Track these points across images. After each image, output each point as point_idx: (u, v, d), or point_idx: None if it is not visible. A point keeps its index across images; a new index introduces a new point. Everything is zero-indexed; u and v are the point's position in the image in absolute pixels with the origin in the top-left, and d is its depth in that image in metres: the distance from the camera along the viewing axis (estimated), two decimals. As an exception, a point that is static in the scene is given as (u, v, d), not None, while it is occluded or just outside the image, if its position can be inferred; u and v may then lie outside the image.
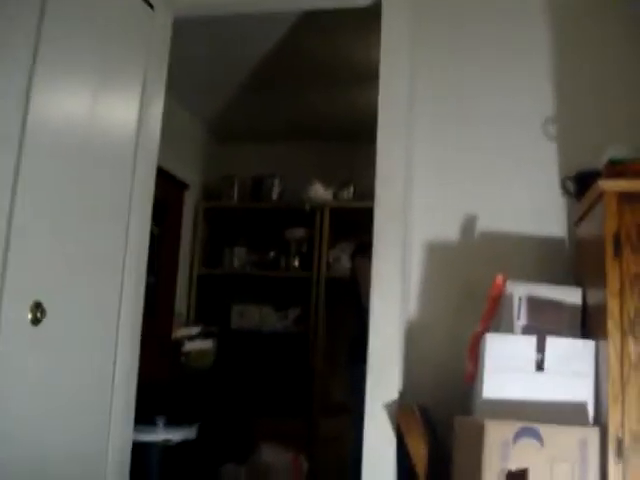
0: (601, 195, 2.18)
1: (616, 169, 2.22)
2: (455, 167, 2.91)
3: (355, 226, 4.35)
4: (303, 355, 5.03)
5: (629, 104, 2.79)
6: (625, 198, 2.14)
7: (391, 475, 2.63)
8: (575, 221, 2.64)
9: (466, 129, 2.93)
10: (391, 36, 2.93)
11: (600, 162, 2.34)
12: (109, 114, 2.86)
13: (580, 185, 2.59)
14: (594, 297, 2.30)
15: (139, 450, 3.14)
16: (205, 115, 5.41)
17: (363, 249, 3.70)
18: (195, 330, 4.76)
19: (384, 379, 2.68)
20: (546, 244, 2.75)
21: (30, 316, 2.33)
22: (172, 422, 3.68)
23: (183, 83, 4.31)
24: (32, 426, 2.37)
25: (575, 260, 2.66)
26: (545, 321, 2.38)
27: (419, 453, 2.43)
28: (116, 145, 2.91)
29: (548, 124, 2.86)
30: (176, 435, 3.65)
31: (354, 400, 3.50)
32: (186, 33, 3.50)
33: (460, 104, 2.96)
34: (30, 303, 2.33)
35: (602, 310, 2.13)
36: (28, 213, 2.34)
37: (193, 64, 4.33)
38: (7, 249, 2.26)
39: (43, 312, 2.37)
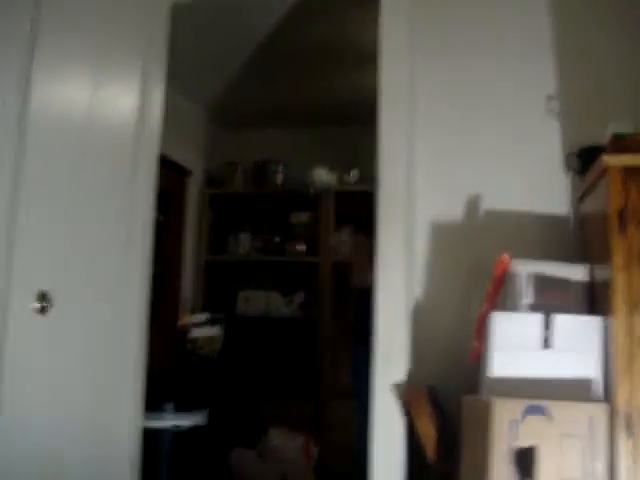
0: (605, 170, 2.17)
1: (620, 144, 2.20)
2: (458, 147, 2.90)
3: (360, 209, 4.33)
4: (310, 339, 5.04)
5: (631, 79, 2.77)
6: (630, 173, 2.12)
7: (400, 456, 2.64)
8: (579, 197, 2.63)
9: (468, 108, 2.92)
10: (391, 17, 2.91)
11: (604, 137, 2.33)
12: (109, 102, 2.85)
13: (584, 161, 2.57)
14: (600, 273, 2.29)
15: (149, 436, 3.15)
16: (206, 101, 5.39)
17: (364, 227, 3.68)
18: (202, 317, 4.77)
19: (391, 360, 2.68)
20: (551, 221, 2.74)
21: (37, 305, 2.33)
22: (181, 408, 3.69)
23: (184, 70, 4.29)
24: (42, 414, 2.39)
25: (580, 237, 2.65)
26: (551, 299, 2.37)
27: (428, 433, 2.44)
28: (117, 134, 2.90)
29: (550, 101, 2.84)
30: (185, 421, 3.67)
31: (356, 384, 3.51)
32: (186, 19, 3.48)
33: (461, 81, 2.94)
34: (36, 292, 2.34)
35: (608, 286, 2.12)
36: (31, 203, 2.34)
37: (193, 50, 4.30)
38: (11, 240, 2.26)
39: (49, 301, 2.37)
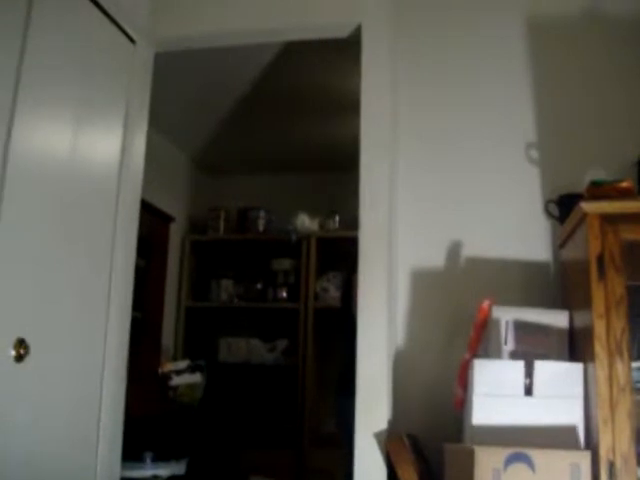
0: (584, 217, 2.19)
1: (598, 191, 2.23)
2: (439, 192, 2.93)
3: (342, 256, 4.33)
4: (292, 387, 4.99)
5: (611, 127, 2.82)
6: (607, 219, 2.14)
7: (383, 505, 2.60)
8: (559, 244, 2.65)
9: (449, 154, 2.95)
10: (371, 64, 2.95)
11: (582, 185, 2.35)
12: (91, 148, 2.86)
13: (563, 208, 2.60)
14: (581, 320, 2.29)
15: (127, 487, 3.10)
16: (190, 148, 5.42)
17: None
18: (183, 364, 4.72)
19: (373, 408, 2.65)
20: (531, 268, 2.75)
21: (13, 353, 2.29)
22: (160, 457, 3.63)
23: (167, 116, 4.33)
24: (18, 463, 2.33)
25: (561, 283, 2.66)
26: (532, 345, 2.37)
27: (410, 482, 2.40)
28: (99, 179, 2.90)
29: (530, 149, 2.88)
30: (164, 470, 3.60)
31: (342, 434, 3.46)
32: (169, 66, 3.52)
33: (443, 129, 2.99)
34: (13, 340, 2.30)
35: (589, 332, 2.12)
36: (10, 248, 2.32)
37: (177, 97, 4.34)
38: (-11, 285, 2.24)
39: (27, 349, 2.34)
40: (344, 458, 3.14)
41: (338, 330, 3.81)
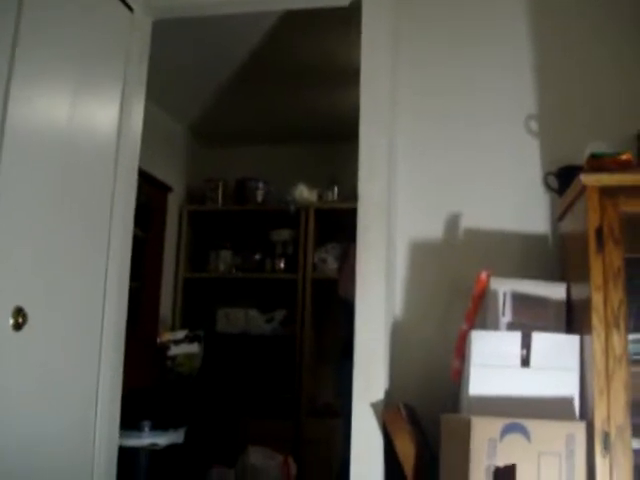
0: (583, 190, 2.19)
1: (597, 163, 2.22)
2: (438, 164, 2.92)
3: (340, 227, 4.33)
4: (290, 357, 5.02)
5: (611, 100, 2.80)
6: (607, 192, 2.14)
7: (379, 475, 2.62)
8: (558, 216, 2.64)
9: (449, 126, 2.93)
10: (372, 34, 2.92)
11: (582, 157, 2.35)
12: (89, 118, 2.84)
13: (562, 180, 2.59)
14: (578, 292, 2.30)
15: (126, 455, 3.12)
16: (188, 118, 5.39)
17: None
18: (181, 334, 4.74)
19: (370, 378, 2.67)
20: (530, 240, 2.75)
21: (11, 321, 2.30)
22: (158, 426, 3.65)
23: (165, 86, 4.30)
24: (15, 432, 2.35)
25: (559, 255, 2.66)
26: (530, 317, 2.38)
27: (406, 452, 2.42)
28: (97, 149, 2.89)
29: (530, 120, 2.86)
30: (163, 439, 3.63)
31: (343, 400, 3.47)
32: (167, 35, 3.48)
33: (442, 100, 2.96)
34: (11, 308, 2.31)
35: (586, 304, 2.13)
36: (8, 217, 2.32)
37: (175, 67, 4.30)
38: (-13, 254, 2.24)
39: (25, 317, 2.35)
40: (342, 426, 3.17)
41: (337, 301, 3.82)
